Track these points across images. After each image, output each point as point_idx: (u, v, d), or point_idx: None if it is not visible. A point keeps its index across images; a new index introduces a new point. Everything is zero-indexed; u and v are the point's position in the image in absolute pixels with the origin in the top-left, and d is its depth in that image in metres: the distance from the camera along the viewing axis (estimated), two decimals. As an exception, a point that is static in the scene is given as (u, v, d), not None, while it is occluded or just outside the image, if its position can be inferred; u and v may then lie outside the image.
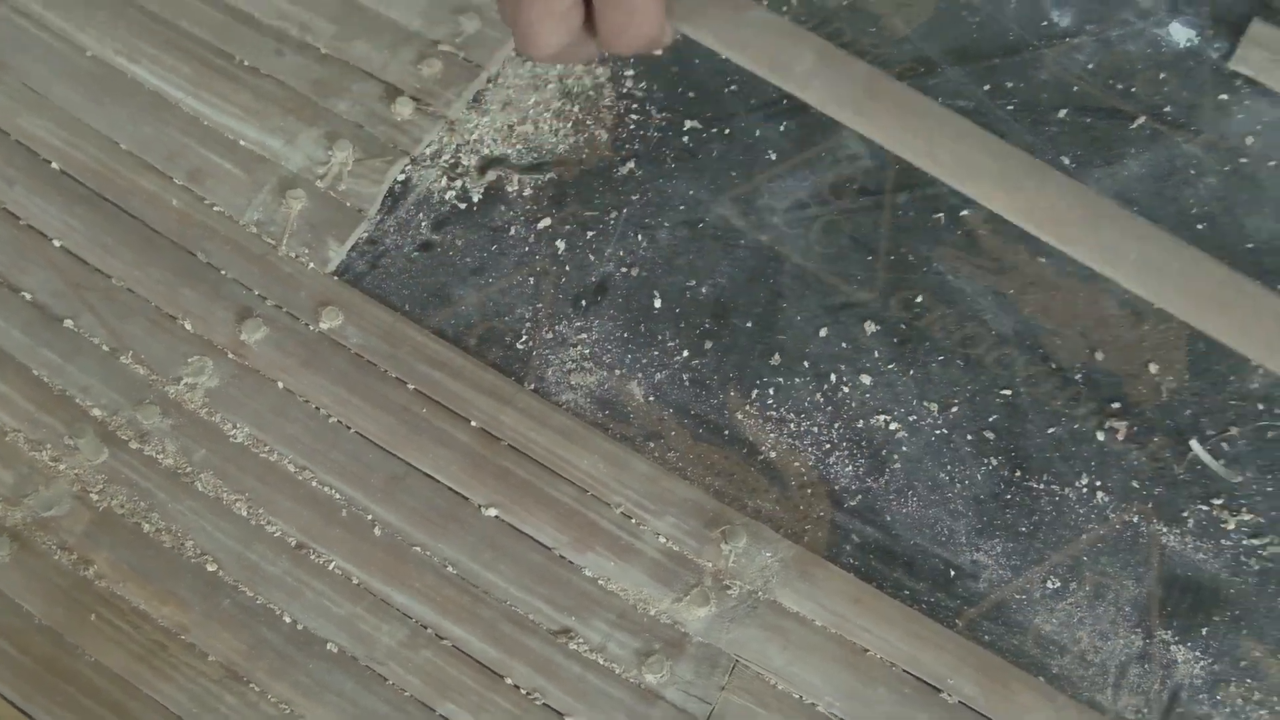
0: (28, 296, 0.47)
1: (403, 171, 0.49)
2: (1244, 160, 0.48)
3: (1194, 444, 0.43)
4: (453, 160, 0.49)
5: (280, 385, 0.45)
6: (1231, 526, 0.42)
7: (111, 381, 0.45)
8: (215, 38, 0.51)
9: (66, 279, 0.47)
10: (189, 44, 0.51)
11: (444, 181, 0.49)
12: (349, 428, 0.44)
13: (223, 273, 0.47)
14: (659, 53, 0.43)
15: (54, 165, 0.49)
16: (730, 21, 0.39)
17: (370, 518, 0.43)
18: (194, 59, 0.51)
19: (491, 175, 0.49)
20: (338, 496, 0.43)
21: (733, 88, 0.50)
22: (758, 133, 0.49)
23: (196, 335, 0.46)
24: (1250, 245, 0.47)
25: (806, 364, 0.45)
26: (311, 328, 0.46)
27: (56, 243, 0.48)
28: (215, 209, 0.48)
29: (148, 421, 0.44)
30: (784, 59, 0.41)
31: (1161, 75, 0.50)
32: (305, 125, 0.49)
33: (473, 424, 0.44)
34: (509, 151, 0.49)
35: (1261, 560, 0.42)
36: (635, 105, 0.50)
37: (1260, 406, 0.44)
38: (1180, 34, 0.51)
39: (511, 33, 0.37)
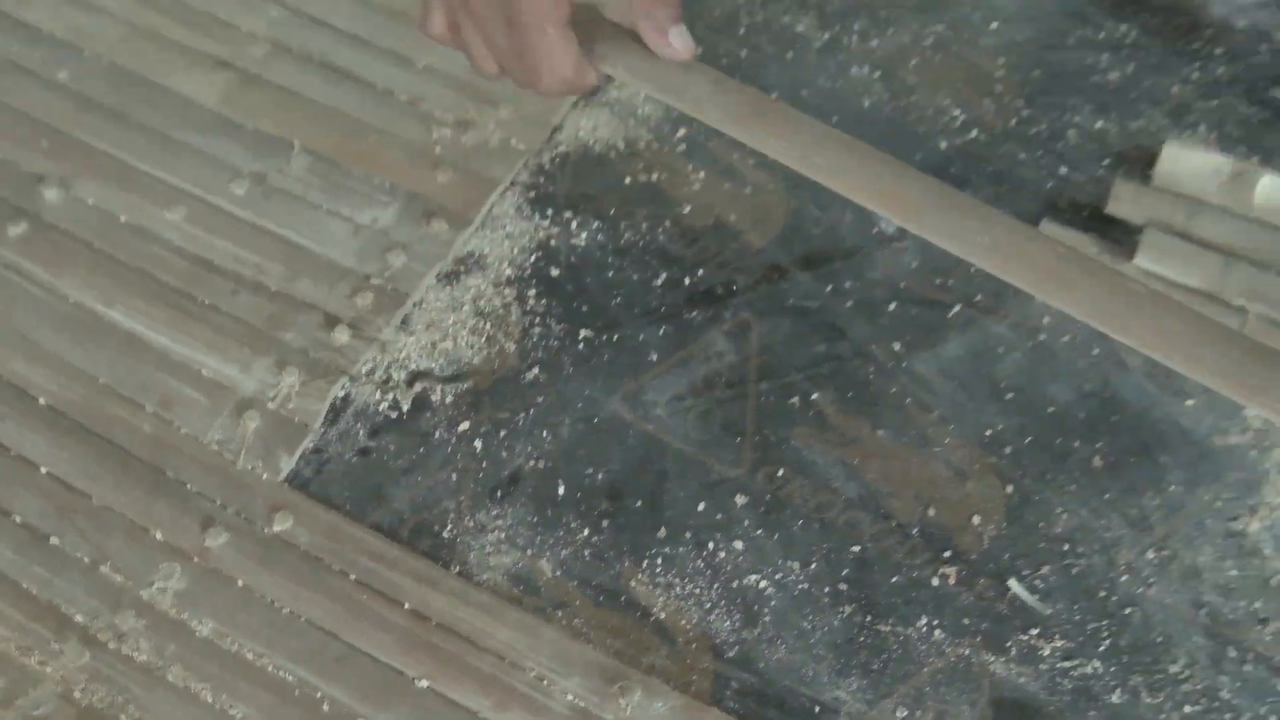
0: (17, 519, 0.53)
1: (342, 389, 0.56)
2: (1043, 337, 0.57)
3: (1012, 583, 0.50)
4: (385, 376, 0.56)
5: (240, 583, 0.51)
6: (1047, 652, 0.49)
7: (93, 590, 0.51)
8: (181, 282, 0.59)
9: (53, 502, 0.53)
10: (158, 289, 0.59)
11: (378, 395, 0.56)
12: (300, 616, 0.50)
13: (189, 487, 0.53)
14: (581, 96, 0.49)
15: (41, 401, 0.56)
16: (639, 59, 0.46)
17: (320, 695, 0.48)
18: (163, 302, 0.58)
19: (418, 387, 0.56)
20: (291, 679, 0.49)
21: (618, 300, 0.58)
22: (641, 337, 0.57)
23: (166, 543, 0.52)
24: (1051, 409, 0.55)
25: (688, 534, 0.52)
26: (266, 530, 0.52)
27: (43, 470, 0.54)
28: (182, 431, 0.55)
29: (124, 624, 0.49)
30: (682, 85, 0.46)
31: (972, 269, 0.59)
32: (258, 355, 0.57)
33: (406, 606, 0.50)
34: (433, 365, 0.57)
35: (1073, 679, 0.48)
36: (537, 319, 0.58)
37: (1065, 547, 0.51)
38: (985, 234, 0.60)
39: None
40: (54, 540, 0.52)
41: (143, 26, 0.68)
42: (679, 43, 0.45)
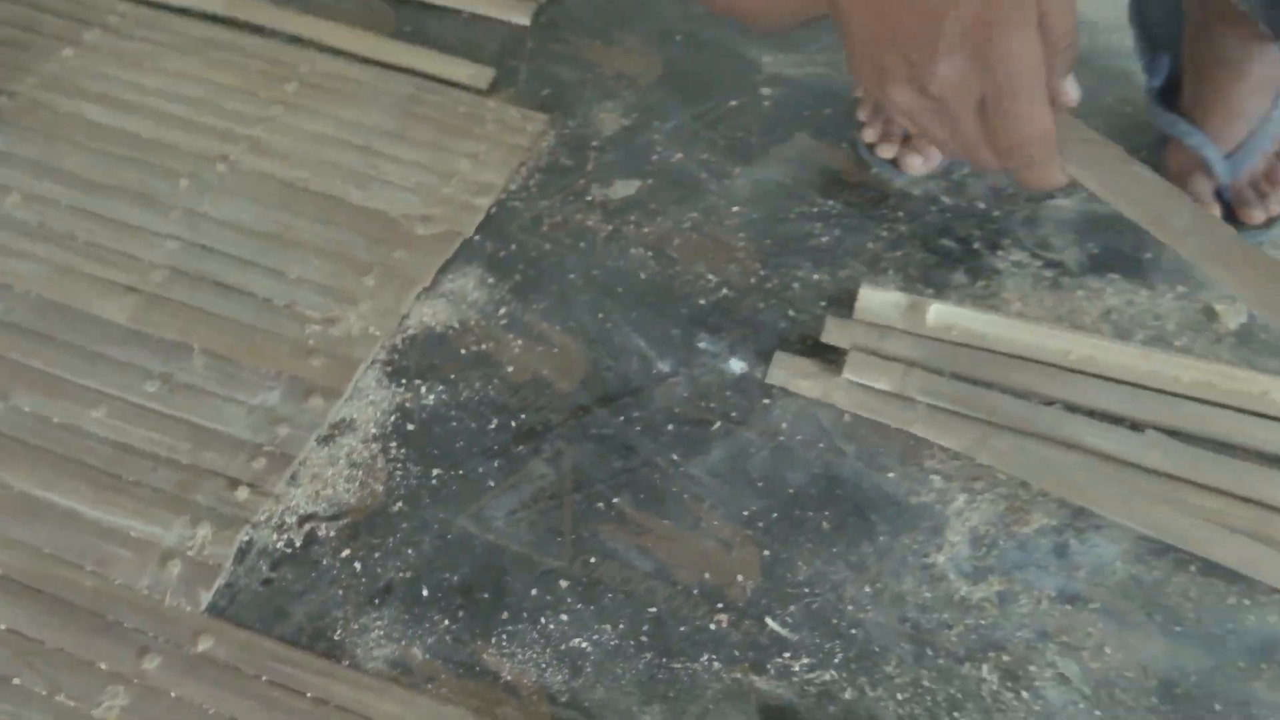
0: (-16, 667, 0.65)
1: (246, 535, 0.70)
2: (782, 438, 0.76)
3: (769, 620, 0.67)
4: (280, 521, 0.71)
5: (173, 695, 0.64)
6: (796, 669, 0.66)
7: (49, 716, 0.63)
8: (107, 465, 0.73)
9: (12, 649, 0.66)
10: (89, 472, 0.73)
11: (275, 536, 0.71)
12: (224, 716, 0.63)
13: (125, 625, 0.67)
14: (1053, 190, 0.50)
15: (-4, 572, 0.69)
16: (1115, 174, 0.44)
17: (244, 773, 0.61)
18: (93, 483, 0.72)
19: (307, 527, 0.71)
20: (220, 762, 0.62)
21: (461, 444, 0.75)
22: (480, 470, 0.74)
23: (110, 671, 0.65)
24: (791, 491, 0.73)
25: (525, 614, 0.67)
26: (191, 651, 0.66)
27: (2, 626, 0.66)
28: (118, 583, 0.68)
29: (81, 737, 0.62)
30: (1163, 214, 0.44)
31: (728, 393, 0.78)
32: (176, 515, 0.71)
33: (309, 695, 0.64)
34: (318, 509, 0.72)
35: (817, 686, 0.65)
36: (398, 465, 0.74)
37: (806, 590, 0.69)
38: (737, 366, 0.80)
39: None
40: (15, 680, 0.64)
41: (62, 265, 0.84)
42: (1073, 91, 0.45)
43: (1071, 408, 0.78)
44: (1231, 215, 0.89)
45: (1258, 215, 0.88)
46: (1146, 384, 0.79)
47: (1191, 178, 0.89)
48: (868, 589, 0.70)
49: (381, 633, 0.67)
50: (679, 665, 0.66)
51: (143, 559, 0.70)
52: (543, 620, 0.68)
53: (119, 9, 1.06)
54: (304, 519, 0.72)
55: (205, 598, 0.68)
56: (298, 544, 0.71)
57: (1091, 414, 0.77)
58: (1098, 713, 0.65)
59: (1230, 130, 0.89)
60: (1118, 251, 0.88)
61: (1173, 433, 0.76)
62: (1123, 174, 0.44)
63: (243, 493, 0.72)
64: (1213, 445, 0.76)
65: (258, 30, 1.04)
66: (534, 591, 0.69)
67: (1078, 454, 0.75)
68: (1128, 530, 0.72)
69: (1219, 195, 0.89)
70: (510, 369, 0.80)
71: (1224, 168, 0.88)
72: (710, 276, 0.86)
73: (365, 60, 1.02)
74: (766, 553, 0.71)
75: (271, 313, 0.82)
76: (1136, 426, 0.77)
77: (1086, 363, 0.80)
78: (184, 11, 1.06)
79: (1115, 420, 0.77)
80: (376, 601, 0.68)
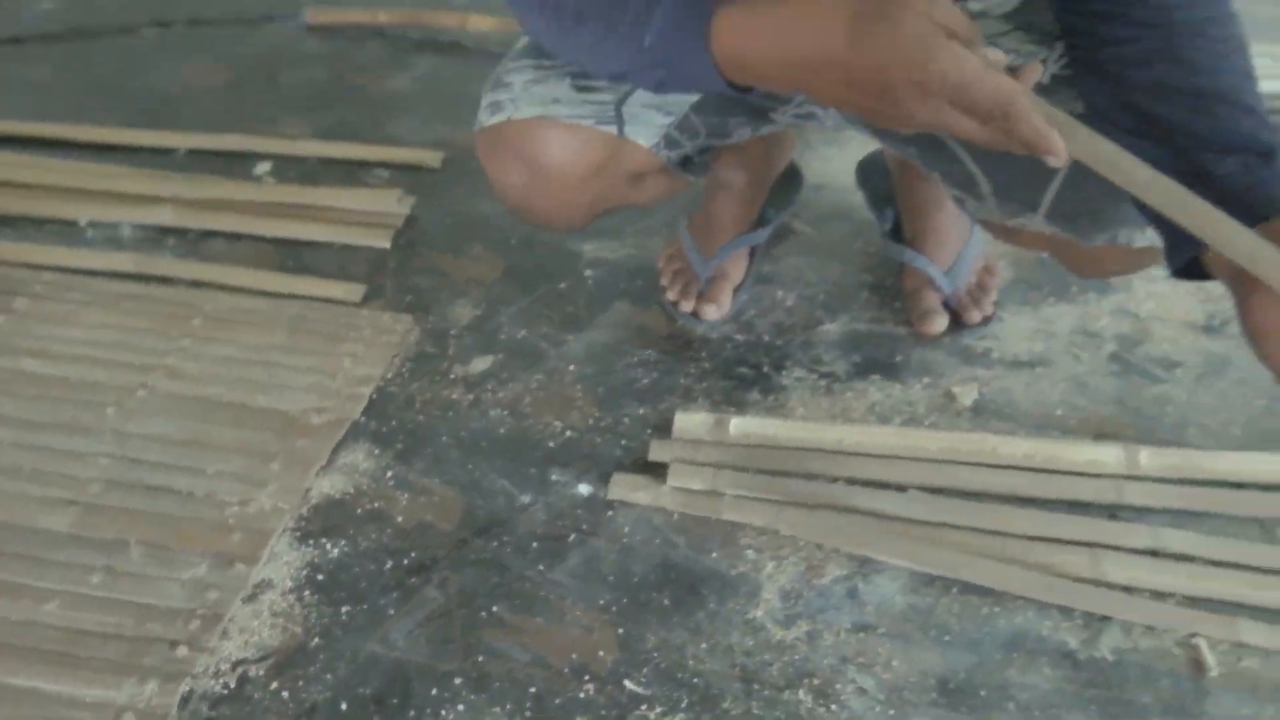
0: (-33, 831, 0.74)
1: (187, 685, 0.82)
2: (625, 540, 0.92)
3: (627, 682, 0.81)
4: (216, 669, 0.83)
5: (136, 824, 0.74)
6: (652, 717, 0.79)
7: None
8: (64, 648, 0.85)
9: (-8, 811, 0.75)
10: (47, 655, 0.84)
11: (213, 681, 0.82)
12: (181, 833, 0.73)
13: (89, 775, 0.77)
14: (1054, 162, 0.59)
15: (-28, 751, 0.78)
16: (1088, 143, 0.57)
17: None
18: (51, 664, 0.84)
19: (240, 670, 0.83)
20: None
21: (364, 584, 0.89)
22: (381, 602, 0.88)
23: (79, 815, 0.74)
24: (636, 579, 0.88)
25: (429, 711, 0.80)
26: (149, 786, 0.76)
27: (-19, 794, 0.76)
28: (79, 741, 0.79)
29: None
30: (1128, 171, 0.56)
31: (579, 511, 0.94)
32: (126, 677, 0.82)
33: (252, 805, 0.74)
34: (247, 654, 0.84)
35: (669, 726, 0.78)
36: (313, 609, 0.87)
37: (655, 654, 0.83)
38: (584, 489, 0.96)
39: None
40: (-3, 836, 0.74)
41: (10, 491, 0.97)
42: (995, 55, 0.58)
43: (850, 481, 0.96)
44: (956, 319, 1.11)
45: (975, 316, 1.10)
46: (906, 455, 0.98)
47: (922, 292, 1.11)
48: (704, 645, 0.84)
49: (310, 745, 0.79)
50: (558, 730, 0.79)
51: (99, 718, 0.80)
52: (443, 713, 0.80)
53: (43, 278, 1.22)
54: (236, 664, 0.84)
55: (157, 741, 0.79)
56: (232, 685, 0.82)
57: (866, 484, 0.95)
58: (892, 712, 0.80)
59: (944, 253, 1.12)
60: (875, 359, 1.08)
61: (929, 489, 0.95)
62: (1093, 144, 0.58)
63: (182, 651, 0.84)
64: (960, 494, 0.94)
65: (165, 280, 1.22)
66: (434, 691, 0.81)
67: (858, 516, 0.93)
68: (903, 569, 0.89)
69: (945, 304, 1.11)
70: (400, 519, 0.95)
71: (945, 281, 1.11)
72: (556, 423, 1.03)
73: (258, 293, 1.20)
74: (621, 631, 0.85)
75: (195, 503, 0.96)
76: (901, 488, 0.95)
77: (858, 446, 0.99)
78: (98, 274, 1.23)
79: (884, 486, 0.95)
80: (303, 720, 0.80)
